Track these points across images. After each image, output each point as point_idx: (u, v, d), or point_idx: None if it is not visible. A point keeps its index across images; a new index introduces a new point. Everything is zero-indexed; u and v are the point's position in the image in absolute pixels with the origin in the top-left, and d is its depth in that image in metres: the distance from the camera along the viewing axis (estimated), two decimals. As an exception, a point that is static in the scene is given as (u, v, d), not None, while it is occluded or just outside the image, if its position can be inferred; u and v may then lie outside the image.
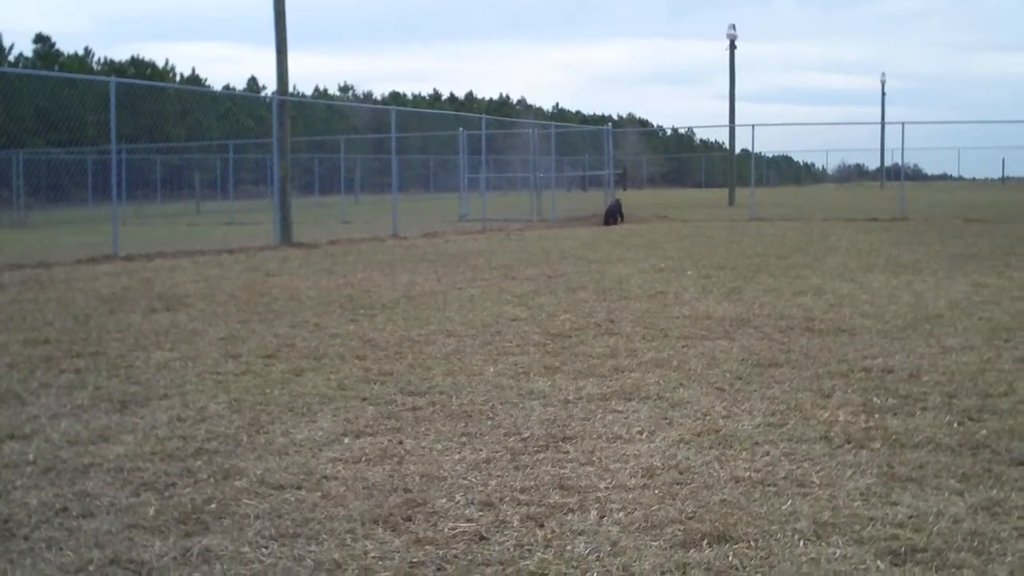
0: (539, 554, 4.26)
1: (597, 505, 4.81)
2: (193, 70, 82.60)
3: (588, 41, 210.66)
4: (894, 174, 75.31)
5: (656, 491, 5.00)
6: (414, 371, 7.99)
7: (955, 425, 6.18)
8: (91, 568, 4.15)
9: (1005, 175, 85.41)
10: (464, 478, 5.27)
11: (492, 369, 8.03)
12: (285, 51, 24.89)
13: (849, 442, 5.83)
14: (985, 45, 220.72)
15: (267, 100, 35.26)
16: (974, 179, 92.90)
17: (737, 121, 52.52)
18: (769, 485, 5.07)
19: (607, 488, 5.06)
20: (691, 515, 4.65)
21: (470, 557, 4.24)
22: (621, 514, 4.68)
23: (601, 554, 4.23)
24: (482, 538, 4.44)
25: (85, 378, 7.80)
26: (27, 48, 69.49)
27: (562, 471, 5.36)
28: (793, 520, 4.56)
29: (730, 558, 4.17)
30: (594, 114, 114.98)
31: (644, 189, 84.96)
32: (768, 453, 5.63)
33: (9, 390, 7.38)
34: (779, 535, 4.40)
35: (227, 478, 5.27)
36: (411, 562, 4.19)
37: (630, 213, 33.89)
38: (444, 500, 4.91)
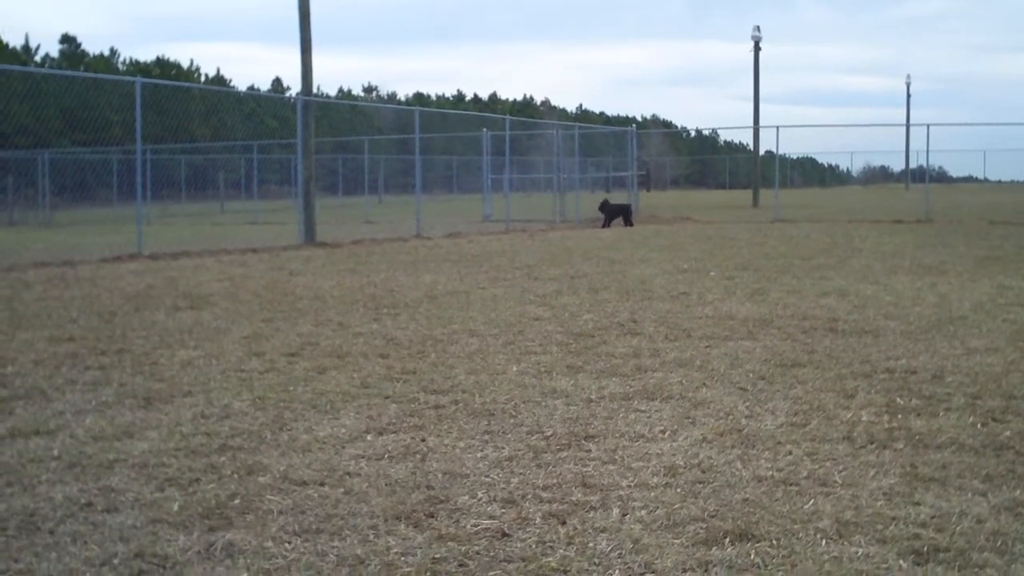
0: (561, 551, 4.26)
1: (619, 503, 4.81)
2: (218, 70, 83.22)
3: (612, 42, 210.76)
4: (919, 176, 74.97)
5: (678, 490, 5.00)
6: (437, 369, 8.01)
7: (979, 426, 6.16)
8: (115, 562, 4.17)
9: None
10: (486, 476, 5.28)
11: (515, 368, 8.04)
12: (310, 51, 24.95)
13: (872, 442, 5.81)
14: (1010, 46, 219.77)
15: (291, 101, 35.35)
16: (1000, 181, 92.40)
17: (761, 123, 52.48)
18: (791, 484, 5.07)
19: (629, 486, 5.06)
20: (713, 513, 4.65)
21: (492, 554, 4.25)
22: (643, 512, 4.68)
23: (623, 551, 4.24)
24: (504, 535, 4.44)
25: (110, 375, 7.85)
26: (53, 49, 69.87)
27: (584, 469, 5.37)
28: (815, 519, 4.56)
29: (752, 556, 4.17)
30: (618, 115, 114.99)
31: (668, 190, 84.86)
32: (791, 453, 5.63)
33: (35, 387, 7.43)
34: (801, 534, 4.39)
35: (251, 474, 5.30)
36: (433, 558, 4.20)
37: (653, 214, 33.92)
38: (467, 497, 4.92)
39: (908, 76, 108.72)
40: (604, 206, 31.28)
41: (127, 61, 71.83)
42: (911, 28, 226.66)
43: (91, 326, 10.26)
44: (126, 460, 5.56)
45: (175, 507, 4.78)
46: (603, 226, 30.11)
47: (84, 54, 68.17)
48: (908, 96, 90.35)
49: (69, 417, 6.52)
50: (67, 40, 67.55)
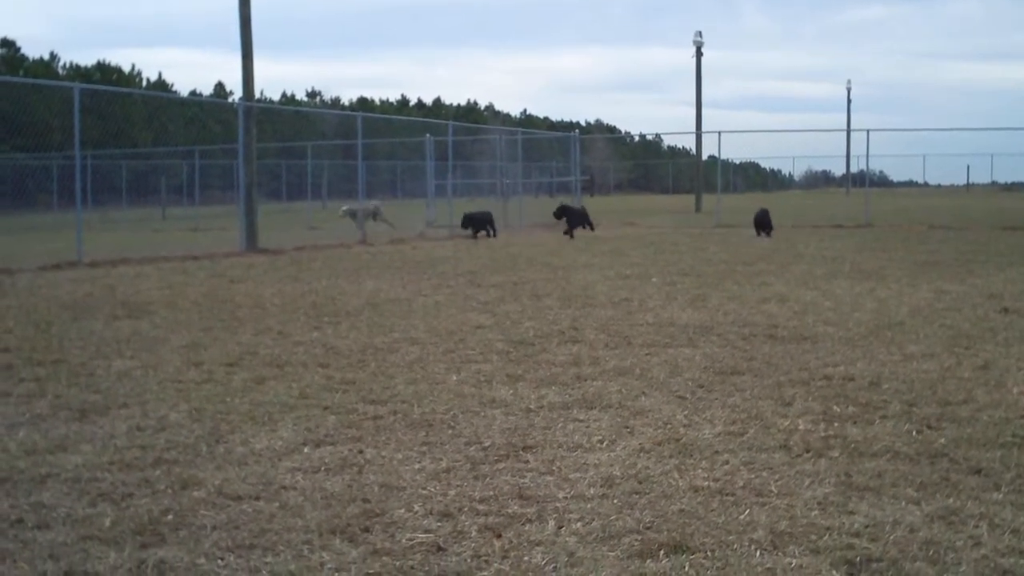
0: (496, 565, 4.25)
1: (555, 515, 4.80)
2: (160, 75, 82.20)
3: (556, 48, 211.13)
4: (860, 181, 75.62)
5: (615, 501, 5.01)
6: (376, 379, 7.97)
7: (914, 433, 6.21)
8: (45, 581, 4.12)
9: (970, 182, 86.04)
10: (423, 488, 5.26)
11: (455, 377, 8.03)
12: (251, 56, 24.82)
13: (808, 451, 5.85)
14: (949, 53, 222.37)
15: (234, 106, 35.07)
16: (939, 186, 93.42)
17: (704, 128, 52.70)
18: (727, 494, 5.09)
19: (566, 498, 5.06)
20: (649, 525, 4.66)
21: (427, 568, 4.23)
22: (579, 524, 4.68)
23: (558, 565, 4.23)
24: (440, 549, 4.43)
25: (45, 387, 7.75)
26: (-8, 53, 68.87)
27: (522, 481, 5.36)
28: (750, 530, 4.58)
29: (686, 568, 4.18)
30: (562, 120, 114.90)
31: (611, 195, 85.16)
32: (727, 462, 5.65)
33: (-33, 399, 7.32)
34: (736, 545, 4.41)
35: (185, 488, 5.25)
36: (367, 573, 4.18)
37: (596, 219, 33.92)
38: (403, 510, 4.90)
39: (848, 82, 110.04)
40: (565, 211, 29.47)
41: (67, 66, 71.05)
42: (852, 35, 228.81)
43: (27, 336, 10.14)
44: (59, 475, 5.50)
45: (107, 523, 4.72)
46: (567, 232, 28.48)
47: (23, 59, 67.37)
48: (849, 101, 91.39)
49: (2, 430, 6.44)
50: (6, 44, 66.72)
